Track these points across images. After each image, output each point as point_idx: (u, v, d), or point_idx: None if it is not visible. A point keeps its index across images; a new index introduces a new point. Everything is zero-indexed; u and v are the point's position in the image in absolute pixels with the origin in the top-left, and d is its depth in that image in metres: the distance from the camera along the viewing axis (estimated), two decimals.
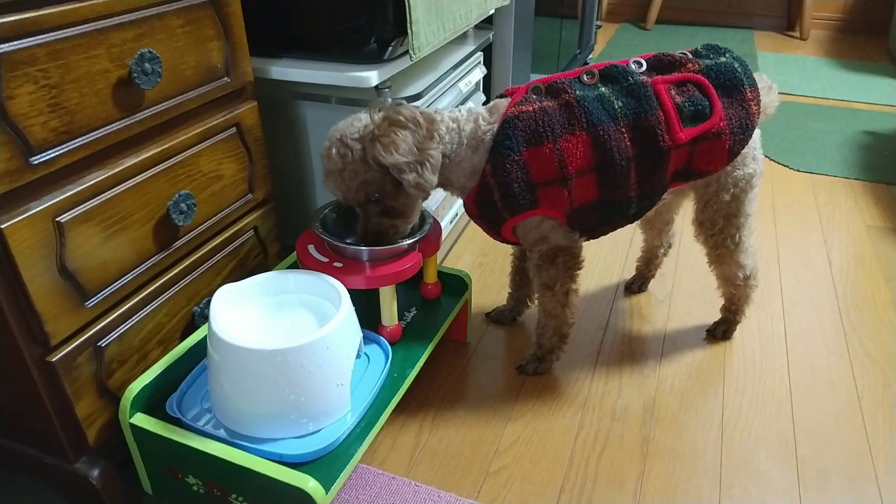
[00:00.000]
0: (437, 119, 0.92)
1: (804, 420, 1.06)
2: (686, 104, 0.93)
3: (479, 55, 1.51)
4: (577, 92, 0.93)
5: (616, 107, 0.92)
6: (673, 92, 0.94)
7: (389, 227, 0.95)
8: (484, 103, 1.60)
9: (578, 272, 1.03)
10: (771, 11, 3.56)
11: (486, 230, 1.04)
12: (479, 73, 1.50)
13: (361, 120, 0.91)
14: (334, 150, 0.90)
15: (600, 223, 1.01)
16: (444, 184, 0.98)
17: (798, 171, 1.91)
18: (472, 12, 1.30)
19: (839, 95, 2.53)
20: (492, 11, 1.47)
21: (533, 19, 1.75)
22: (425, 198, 0.97)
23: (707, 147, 0.95)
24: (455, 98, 1.35)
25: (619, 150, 0.92)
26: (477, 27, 1.53)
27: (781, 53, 3.12)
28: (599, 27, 3.04)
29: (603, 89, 0.94)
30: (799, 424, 1.05)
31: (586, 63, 2.83)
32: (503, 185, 0.92)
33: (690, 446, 1.01)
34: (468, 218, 1.59)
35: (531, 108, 0.92)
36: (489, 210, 0.97)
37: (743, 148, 0.98)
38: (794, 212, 1.70)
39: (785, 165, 1.94)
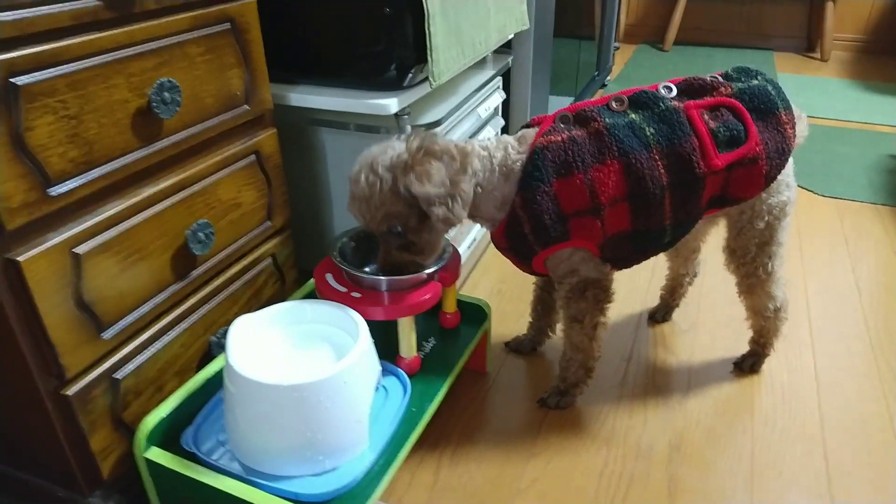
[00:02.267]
0: (470, 152, 0.90)
1: (837, 459, 1.02)
2: (721, 129, 0.91)
3: (499, 80, 1.50)
4: (607, 120, 0.91)
5: (648, 133, 0.90)
6: (706, 117, 0.92)
7: (409, 262, 0.93)
8: (503, 128, 1.60)
9: (608, 305, 1.00)
10: (791, 32, 3.53)
11: (517, 263, 1.02)
12: (498, 97, 1.49)
13: (395, 148, 0.88)
14: (363, 176, 0.87)
15: (633, 253, 0.98)
16: (473, 215, 0.95)
17: (823, 195, 1.87)
18: (491, 38, 1.29)
19: (862, 118, 2.49)
20: (511, 36, 1.47)
21: (552, 42, 1.74)
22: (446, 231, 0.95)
23: (743, 173, 0.93)
24: (474, 123, 1.34)
25: (653, 178, 0.90)
26: (496, 51, 1.52)
27: (802, 75, 3.08)
28: (617, 48, 3.03)
29: (633, 116, 0.92)
30: (832, 464, 1.01)
31: (604, 84, 2.82)
32: (534, 217, 0.90)
33: (719, 486, 0.97)
34: (487, 244, 1.57)
35: (560, 138, 0.90)
36: (520, 243, 0.94)
37: (779, 173, 0.96)
38: (820, 238, 1.66)
39: (810, 190, 1.90)
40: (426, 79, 1.09)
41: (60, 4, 0.66)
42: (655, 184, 0.90)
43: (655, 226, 0.94)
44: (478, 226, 1.46)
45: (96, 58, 0.70)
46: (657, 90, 0.94)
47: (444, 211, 0.85)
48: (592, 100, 0.95)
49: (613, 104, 0.94)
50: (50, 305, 0.71)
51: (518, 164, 0.91)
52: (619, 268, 1.00)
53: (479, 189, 0.91)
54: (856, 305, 1.39)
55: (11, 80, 0.63)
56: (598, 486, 0.97)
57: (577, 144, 0.89)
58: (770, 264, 1.04)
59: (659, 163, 0.90)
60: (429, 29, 1.03)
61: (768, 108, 0.94)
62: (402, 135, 0.93)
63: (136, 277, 0.81)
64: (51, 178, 0.68)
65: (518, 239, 0.94)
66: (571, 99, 2.23)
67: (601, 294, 0.98)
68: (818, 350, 1.26)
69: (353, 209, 0.91)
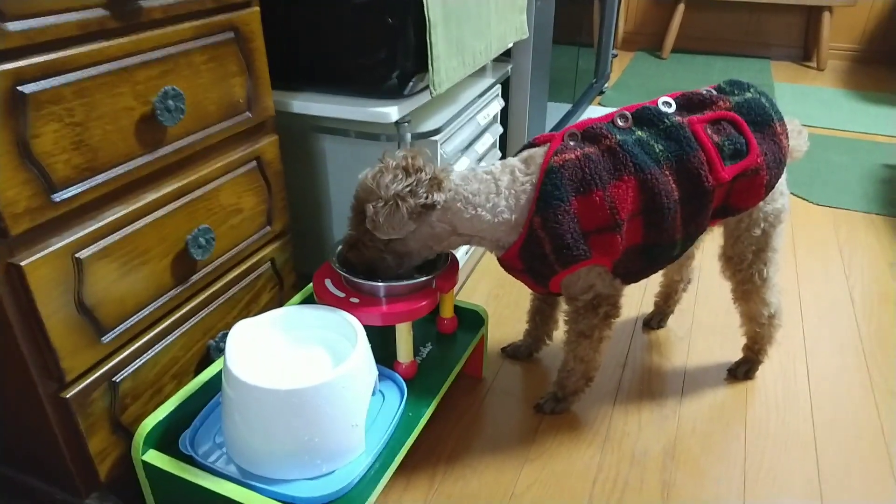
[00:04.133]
0: (444, 184, 0.89)
1: (830, 466, 1.03)
2: (725, 143, 0.93)
3: (498, 87, 1.51)
4: (618, 136, 0.91)
5: (657, 150, 0.91)
6: (709, 131, 0.93)
7: (380, 259, 0.95)
8: (502, 136, 1.61)
9: (615, 320, 1.01)
10: (787, 41, 3.55)
11: (531, 284, 1.02)
12: (497, 105, 1.50)
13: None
14: (362, 189, 0.91)
15: (644, 267, 0.99)
16: (474, 238, 0.95)
17: (818, 204, 1.89)
18: (492, 47, 1.31)
19: (858, 127, 2.51)
20: (510, 45, 1.48)
21: (551, 49, 1.76)
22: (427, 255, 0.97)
23: (746, 184, 0.95)
24: (473, 131, 1.35)
25: (667, 194, 0.91)
26: (495, 60, 1.53)
27: (799, 84, 3.11)
28: (615, 56, 3.05)
29: (640, 133, 0.93)
30: (824, 471, 1.02)
31: (602, 91, 2.84)
32: (555, 237, 0.89)
33: (713, 493, 0.98)
34: (484, 250, 1.58)
35: (573, 156, 0.90)
36: (539, 263, 0.94)
37: (777, 182, 0.97)
38: (814, 247, 1.67)
39: (805, 199, 1.92)
40: (426, 87, 1.10)
41: (68, 14, 0.67)
42: (669, 198, 0.91)
43: (667, 240, 0.94)
44: None
45: (102, 66, 0.72)
46: (657, 105, 0.95)
47: (372, 212, 0.86)
48: (595, 117, 0.96)
49: (619, 121, 0.94)
50: (51, 310, 0.71)
51: (528, 185, 0.91)
52: (629, 282, 1.01)
53: (482, 211, 0.91)
54: (849, 314, 1.40)
55: (19, 88, 0.64)
56: (592, 492, 0.98)
57: (593, 161, 0.89)
58: (766, 270, 1.06)
59: (670, 178, 0.91)
60: (430, 39, 1.04)
61: (764, 120, 0.95)
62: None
63: (136, 282, 0.82)
64: (55, 185, 0.69)
65: (537, 260, 0.93)
66: (569, 106, 2.24)
67: (612, 310, 1.00)
68: (812, 358, 1.27)
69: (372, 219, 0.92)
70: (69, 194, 0.71)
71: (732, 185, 0.95)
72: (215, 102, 0.88)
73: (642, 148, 0.91)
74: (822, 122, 2.56)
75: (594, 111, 2.59)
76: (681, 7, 3.41)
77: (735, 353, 1.23)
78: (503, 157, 1.68)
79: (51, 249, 0.70)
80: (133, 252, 0.80)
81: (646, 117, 0.94)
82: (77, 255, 0.73)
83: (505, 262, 1.00)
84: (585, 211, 0.89)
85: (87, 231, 0.74)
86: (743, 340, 1.20)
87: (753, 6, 3.46)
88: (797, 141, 1.00)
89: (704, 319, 1.38)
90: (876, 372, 1.23)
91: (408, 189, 0.86)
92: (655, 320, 1.35)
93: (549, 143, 0.93)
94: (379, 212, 0.86)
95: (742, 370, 1.21)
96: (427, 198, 0.87)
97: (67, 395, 0.76)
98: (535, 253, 0.93)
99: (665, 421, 1.11)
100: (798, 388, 1.19)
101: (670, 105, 0.95)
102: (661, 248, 0.96)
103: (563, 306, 1.03)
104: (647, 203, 0.91)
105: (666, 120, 0.93)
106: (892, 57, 3.40)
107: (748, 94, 0.97)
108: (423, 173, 0.87)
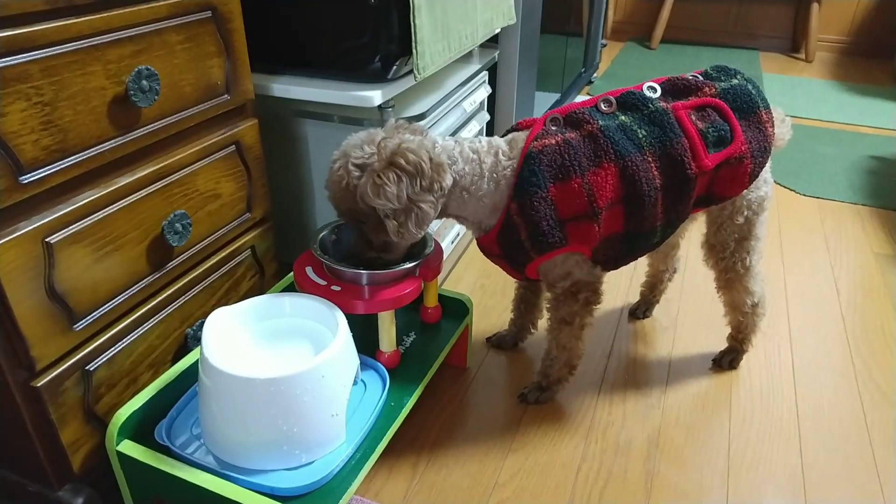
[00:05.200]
0: (446, 165, 0.86)
1: (813, 455, 1.03)
2: (709, 130, 0.91)
3: (485, 74, 1.49)
4: (600, 122, 0.90)
5: (640, 136, 0.90)
6: (694, 118, 0.92)
7: (372, 257, 0.92)
8: (489, 122, 1.59)
9: (597, 307, 1.00)
10: (776, 33, 3.56)
11: (508, 270, 1.01)
12: (483, 92, 1.48)
13: (374, 143, 0.86)
14: (337, 165, 0.87)
15: (624, 254, 0.98)
16: (459, 217, 0.94)
17: (804, 195, 1.89)
18: (478, 32, 1.29)
19: (845, 119, 2.51)
20: (498, 30, 1.46)
21: (539, 37, 1.74)
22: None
23: (729, 172, 0.93)
24: (459, 117, 1.34)
25: (648, 181, 0.89)
26: (482, 46, 1.51)
27: (787, 75, 3.11)
28: (604, 45, 3.04)
29: (623, 118, 0.91)
30: (807, 460, 1.02)
31: (591, 81, 2.82)
32: (531, 223, 0.88)
33: (696, 482, 0.98)
34: (470, 239, 1.57)
35: (553, 141, 0.88)
36: (515, 250, 0.93)
37: (762, 170, 0.96)
38: (800, 237, 1.67)
39: (791, 189, 1.92)
40: (411, 71, 1.08)
41: None
42: (650, 186, 0.90)
43: (648, 227, 0.94)
44: None
45: (72, 44, 0.69)
46: (642, 90, 0.94)
47: (395, 226, 0.84)
48: (578, 101, 0.94)
49: (602, 106, 0.93)
50: (20, 296, 0.69)
51: (509, 170, 0.89)
52: (609, 269, 1.00)
53: (466, 195, 0.90)
54: (834, 304, 1.40)
55: None
56: (576, 481, 0.97)
57: (573, 147, 0.88)
58: (748, 259, 1.05)
59: (652, 165, 0.90)
60: (414, 21, 1.02)
61: (750, 108, 0.94)
62: (388, 125, 0.91)
63: (110, 268, 0.79)
64: (23, 166, 0.67)
65: (513, 246, 0.92)
66: (558, 95, 2.23)
67: (592, 296, 0.98)
68: (796, 348, 1.27)
69: (328, 193, 0.90)
70: (38, 176, 0.68)
71: (716, 173, 0.93)
72: (192, 84, 0.85)
73: (625, 133, 0.90)
74: (809, 114, 2.56)
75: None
76: None
77: (720, 343, 1.23)
78: None
79: (19, 233, 0.68)
80: (106, 237, 0.78)
81: (630, 102, 0.93)
82: (47, 240, 0.71)
83: (483, 247, 0.99)
84: (563, 198, 0.88)
85: (57, 215, 0.72)
86: (728, 330, 1.19)
87: None
88: (780, 129, 0.99)
89: (689, 309, 1.37)
90: (860, 361, 1.24)
91: (419, 189, 0.83)
92: (641, 310, 1.34)
93: (531, 128, 0.92)
94: (404, 223, 0.84)
95: (726, 360, 1.20)
96: (441, 188, 0.85)
97: (38, 384, 0.74)
98: (511, 239, 0.92)
99: (649, 410, 1.11)
100: (782, 378, 1.19)
101: (655, 90, 0.94)
102: (640, 236, 0.95)
103: (547, 294, 1.02)
104: (627, 191, 0.89)
105: (650, 105, 0.92)
106: (880, 49, 3.41)
107: (734, 81, 0.96)
108: (422, 163, 0.84)
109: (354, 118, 1.11)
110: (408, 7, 1.01)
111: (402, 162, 0.83)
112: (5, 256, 0.67)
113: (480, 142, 0.92)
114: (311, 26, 1.06)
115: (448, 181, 0.86)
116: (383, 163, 0.83)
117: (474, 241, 1.51)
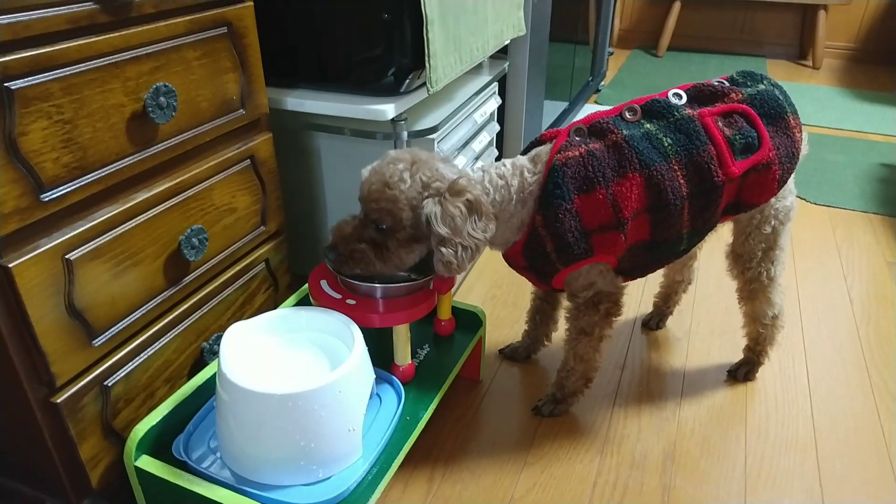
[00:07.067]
0: (486, 203, 0.87)
1: (830, 469, 1.02)
2: (736, 136, 0.91)
3: (495, 85, 1.50)
4: (624, 131, 0.89)
5: (665, 144, 0.89)
6: (721, 124, 0.91)
7: (366, 262, 0.89)
8: (499, 133, 1.60)
9: (617, 318, 1.00)
10: (783, 40, 3.55)
11: (534, 281, 1.01)
12: (493, 103, 1.48)
13: (440, 168, 0.87)
14: (400, 166, 0.85)
15: (650, 262, 0.98)
16: (491, 244, 0.94)
17: (815, 204, 1.88)
18: (489, 44, 1.29)
19: (854, 126, 2.50)
20: (507, 42, 1.46)
21: (547, 47, 1.74)
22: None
23: (757, 179, 0.93)
24: (470, 129, 1.34)
25: (674, 190, 0.89)
26: (492, 57, 1.52)
27: (794, 82, 3.10)
28: (611, 54, 3.04)
29: (648, 126, 0.91)
30: (825, 474, 1.01)
31: (598, 90, 2.83)
32: (557, 236, 0.88)
33: (713, 495, 0.97)
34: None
35: (577, 153, 0.88)
36: (541, 261, 0.93)
37: (790, 177, 0.96)
38: (812, 247, 1.66)
39: (802, 198, 1.91)
40: (423, 84, 1.08)
41: (57, 8, 0.65)
42: (676, 194, 0.89)
43: (674, 235, 0.93)
44: None
45: (92, 62, 0.70)
46: (667, 97, 0.93)
47: (450, 255, 0.84)
48: (604, 110, 0.94)
49: (627, 114, 0.92)
50: (41, 312, 0.70)
51: (535, 184, 0.89)
52: (634, 277, 1.00)
53: (502, 223, 0.91)
54: (848, 314, 1.40)
55: (6, 84, 0.62)
56: (592, 495, 0.97)
57: (597, 158, 0.88)
58: (773, 269, 1.05)
59: (678, 173, 0.89)
60: (427, 35, 1.02)
61: (778, 113, 0.94)
62: (443, 153, 0.92)
63: (128, 283, 0.80)
64: (44, 184, 0.67)
65: (539, 258, 0.92)
66: (566, 104, 2.23)
67: (613, 308, 0.98)
68: (811, 359, 1.26)
69: (366, 182, 0.87)
70: (58, 194, 0.69)
71: (744, 180, 0.93)
72: (208, 99, 0.86)
73: (650, 142, 0.89)
74: (818, 121, 2.55)
75: (590, 109, 2.58)
76: (677, 5, 3.40)
77: (734, 355, 1.22)
78: (500, 155, 1.67)
79: (40, 250, 0.68)
80: (125, 253, 0.78)
81: (655, 110, 0.92)
82: (67, 257, 0.71)
83: (509, 259, 0.99)
84: (588, 209, 0.88)
85: (77, 231, 0.72)
86: (742, 341, 1.19)
87: (749, 4, 3.46)
88: None
89: (703, 320, 1.37)
90: (875, 372, 1.23)
91: (476, 227, 0.85)
92: (654, 321, 1.34)
93: (555, 140, 0.92)
94: (459, 255, 0.84)
95: (742, 371, 1.20)
96: (490, 230, 0.87)
97: (58, 400, 0.74)
98: (537, 251, 0.91)
99: (664, 423, 1.10)
100: (798, 390, 1.18)
101: (681, 97, 0.94)
102: (667, 244, 0.94)
103: (565, 304, 1.02)
104: (652, 200, 0.89)
105: (676, 112, 0.91)
106: (888, 56, 3.41)
107: (761, 86, 0.95)
108: (483, 204, 0.86)
109: (366, 131, 1.12)
110: (421, 21, 1.01)
111: (470, 198, 0.84)
112: (26, 274, 0.67)
113: (505, 165, 0.92)
114: (325, 41, 1.07)
115: (493, 224, 0.88)
116: (454, 192, 0.84)
117: (487, 252, 1.51)
